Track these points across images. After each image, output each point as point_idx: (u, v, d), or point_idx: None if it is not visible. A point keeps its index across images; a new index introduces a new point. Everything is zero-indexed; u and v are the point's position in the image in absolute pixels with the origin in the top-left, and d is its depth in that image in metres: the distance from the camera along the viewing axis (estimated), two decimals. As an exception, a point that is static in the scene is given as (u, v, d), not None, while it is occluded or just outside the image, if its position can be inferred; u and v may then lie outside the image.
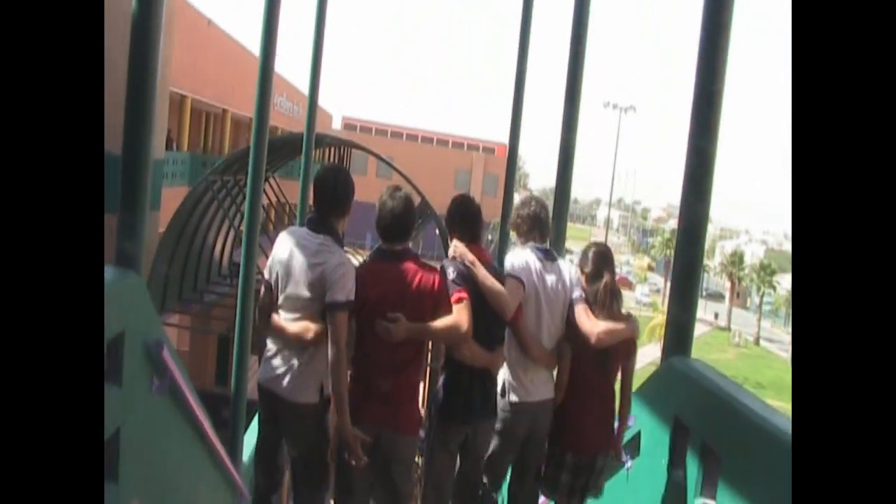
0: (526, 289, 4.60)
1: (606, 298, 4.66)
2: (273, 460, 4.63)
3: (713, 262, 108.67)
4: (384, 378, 4.23)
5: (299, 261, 4.24)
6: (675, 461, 4.41)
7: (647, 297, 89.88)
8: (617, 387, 4.92)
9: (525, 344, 4.66)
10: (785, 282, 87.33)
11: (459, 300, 4.23)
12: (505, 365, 4.72)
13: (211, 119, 36.97)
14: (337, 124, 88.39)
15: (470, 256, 4.48)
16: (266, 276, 4.42)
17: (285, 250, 4.33)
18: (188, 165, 27.90)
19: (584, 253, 4.92)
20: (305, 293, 4.21)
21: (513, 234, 4.99)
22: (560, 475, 4.77)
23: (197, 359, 25.85)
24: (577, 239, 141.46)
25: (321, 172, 4.51)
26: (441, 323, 4.20)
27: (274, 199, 28.48)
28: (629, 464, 5.09)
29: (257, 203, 8.78)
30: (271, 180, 27.22)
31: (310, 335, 4.21)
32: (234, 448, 8.62)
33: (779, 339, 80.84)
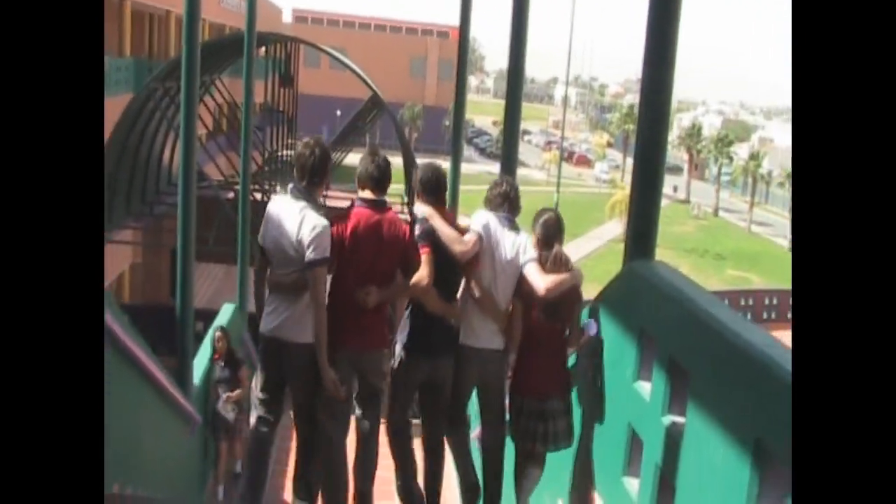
0: (484, 244, 5.12)
1: (556, 266, 5.13)
2: (277, 398, 5.31)
3: (671, 135, 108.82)
4: (361, 312, 4.94)
5: (285, 225, 4.91)
6: (642, 375, 4.23)
7: (606, 175, 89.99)
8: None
9: (478, 294, 5.18)
10: (742, 152, 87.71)
11: (421, 255, 4.90)
12: (465, 312, 5.26)
13: (155, 21, 35.63)
14: (288, 17, 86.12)
15: (430, 212, 5.08)
16: (260, 240, 5.08)
17: (275, 217, 5.00)
18: (132, 72, 26.97)
19: (536, 218, 5.36)
20: (291, 252, 4.87)
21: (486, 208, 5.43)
22: (520, 420, 5.23)
23: (151, 274, 25.46)
24: (535, 119, 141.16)
25: (300, 149, 5.09)
26: (405, 283, 4.96)
27: (223, 101, 27.72)
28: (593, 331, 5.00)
29: (192, 112, 8.49)
30: (218, 82, 26.45)
31: (299, 288, 4.89)
32: (183, 372, 8.47)
33: (737, 209, 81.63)
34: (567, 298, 5.15)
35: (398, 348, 5.25)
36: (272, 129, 30.92)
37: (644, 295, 4.35)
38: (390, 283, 4.99)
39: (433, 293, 5.01)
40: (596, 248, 60.76)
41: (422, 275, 4.90)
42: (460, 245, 5.03)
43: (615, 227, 63.95)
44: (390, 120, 27.12)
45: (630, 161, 68.04)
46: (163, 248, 24.98)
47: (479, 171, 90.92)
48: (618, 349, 4.60)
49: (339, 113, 68.43)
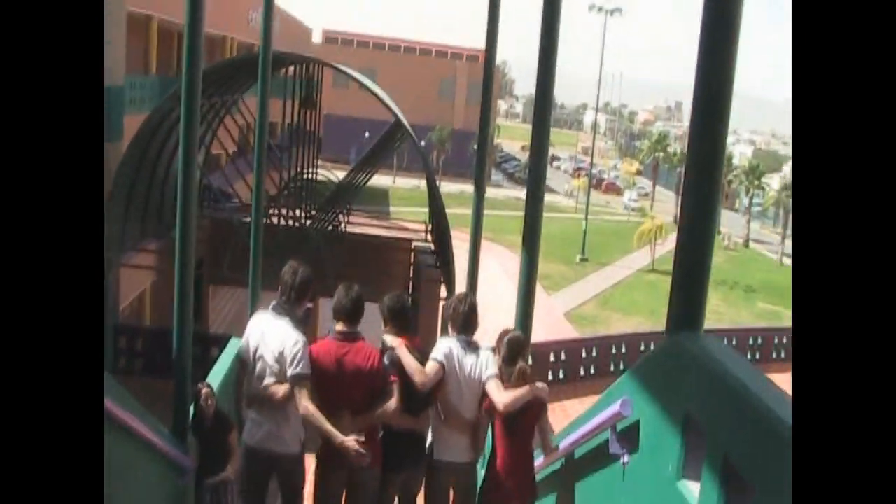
0: (447, 370, 5.57)
1: (519, 381, 5.45)
2: (262, 495, 5.84)
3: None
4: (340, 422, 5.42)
5: (267, 340, 5.41)
6: (687, 473, 3.45)
7: (635, 202, 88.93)
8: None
9: (445, 413, 5.70)
10: (774, 182, 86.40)
11: (391, 384, 5.43)
12: (431, 429, 5.84)
13: (182, 39, 35.26)
14: (317, 38, 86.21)
15: (396, 342, 5.59)
16: (241, 354, 5.63)
17: (257, 332, 5.53)
18: (156, 89, 26.55)
19: (500, 338, 5.76)
20: (274, 365, 5.37)
21: (449, 327, 5.86)
22: None
23: (164, 296, 24.73)
24: (564, 145, 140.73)
25: (285, 269, 5.68)
26: (376, 410, 5.44)
27: (250, 120, 27.22)
28: (626, 458, 4.14)
29: (193, 134, 7.86)
30: (241, 102, 25.96)
31: (279, 395, 5.40)
32: (179, 404, 7.89)
33: (768, 240, 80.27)
34: (529, 411, 5.50)
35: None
36: (297, 149, 30.38)
37: (691, 375, 3.57)
38: (363, 408, 5.46)
39: (401, 416, 5.55)
40: (624, 277, 59.68)
41: (394, 402, 5.42)
42: (420, 376, 5.46)
43: (643, 257, 62.90)
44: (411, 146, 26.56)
45: (660, 189, 67.20)
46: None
47: (506, 196, 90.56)
48: (657, 436, 3.83)
49: (367, 134, 68.07)
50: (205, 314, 26.03)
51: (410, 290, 24.47)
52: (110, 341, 18.01)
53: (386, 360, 5.53)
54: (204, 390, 7.46)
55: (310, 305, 6.17)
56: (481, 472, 5.97)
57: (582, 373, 25.70)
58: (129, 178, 19.26)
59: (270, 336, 5.44)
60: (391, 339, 5.68)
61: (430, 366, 5.57)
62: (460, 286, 16.85)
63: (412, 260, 25.08)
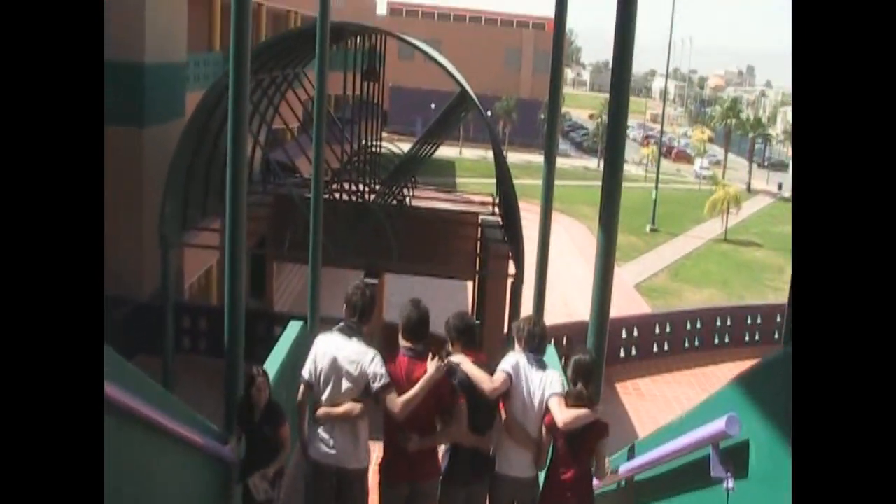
0: (514, 383, 5.72)
1: (577, 400, 5.60)
2: None
3: (775, 129, 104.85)
4: (406, 443, 5.66)
5: (340, 362, 5.59)
6: None
7: (706, 170, 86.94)
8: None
9: (510, 426, 5.81)
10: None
11: (458, 403, 5.64)
12: (495, 443, 5.96)
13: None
14: (382, 10, 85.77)
15: (461, 358, 5.75)
16: (306, 375, 5.75)
17: (326, 355, 5.66)
18: (220, 66, 26.24)
19: (571, 362, 5.82)
20: (349, 385, 5.60)
21: (517, 345, 5.98)
22: None
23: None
24: (632, 112, 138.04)
25: (351, 290, 5.81)
26: (444, 431, 5.76)
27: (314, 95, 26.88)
28: (730, 484, 3.52)
29: (243, 106, 7.57)
30: (304, 77, 25.52)
31: (356, 411, 5.66)
32: (230, 389, 7.77)
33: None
34: (590, 432, 5.66)
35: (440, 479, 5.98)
36: (363, 122, 29.91)
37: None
38: (429, 425, 5.72)
39: (467, 434, 5.77)
40: (695, 247, 58.33)
41: (459, 426, 5.69)
42: (489, 384, 5.65)
43: (715, 226, 61.42)
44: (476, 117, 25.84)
45: (732, 157, 65.52)
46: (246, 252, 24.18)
47: (574, 165, 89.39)
48: (772, 461, 3.20)
49: (433, 106, 67.52)
50: (269, 292, 25.77)
51: (477, 267, 23.90)
52: (172, 321, 17.77)
53: (454, 381, 5.72)
54: (258, 379, 6.81)
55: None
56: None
57: (655, 349, 24.85)
58: (188, 155, 18.93)
59: (344, 356, 5.65)
60: (456, 357, 5.83)
61: (498, 375, 5.75)
62: (530, 262, 16.21)
63: (479, 234, 24.48)
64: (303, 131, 30.72)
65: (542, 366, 5.88)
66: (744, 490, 3.42)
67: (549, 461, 5.87)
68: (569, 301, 36.18)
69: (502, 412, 5.85)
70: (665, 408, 21.89)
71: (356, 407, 5.67)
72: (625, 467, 5.75)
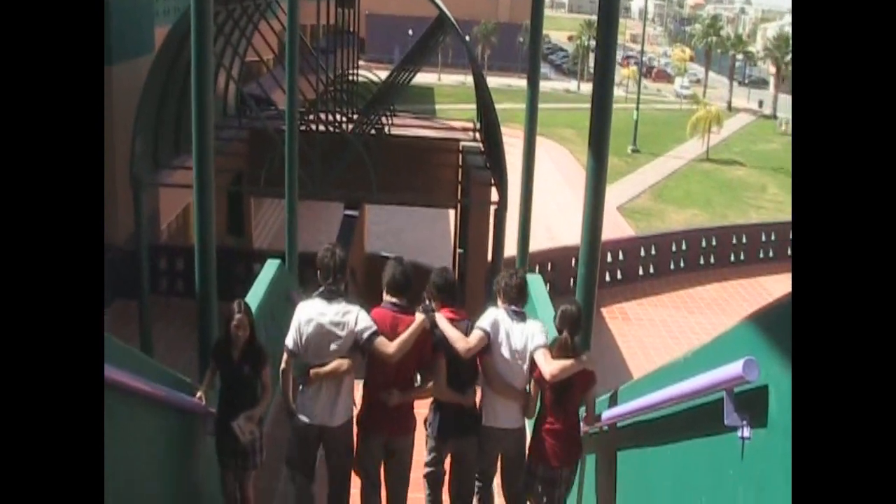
0: (496, 339, 5.81)
1: (562, 351, 5.67)
2: (311, 468, 6.11)
3: (755, 47, 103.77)
4: (389, 398, 5.81)
5: (326, 326, 5.70)
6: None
7: (687, 90, 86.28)
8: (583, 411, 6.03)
9: (489, 381, 5.94)
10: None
11: (437, 359, 5.80)
12: (481, 396, 6.06)
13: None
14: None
15: (438, 316, 5.85)
16: (290, 345, 5.79)
17: (310, 322, 5.73)
18: (188, -2, 25.39)
19: (558, 312, 5.88)
20: (335, 347, 5.70)
21: (497, 298, 6.02)
22: (534, 484, 5.99)
23: None
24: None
25: (321, 253, 5.86)
26: (423, 386, 5.95)
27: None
28: (747, 433, 3.23)
29: (206, 38, 7.13)
30: (277, 6, 24.77)
31: (344, 366, 5.74)
32: (204, 330, 7.73)
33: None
34: (577, 382, 5.72)
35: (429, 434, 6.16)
36: (341, 51, 29.16)
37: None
38: (410, 380, 5.92)
39: (447, 391, 5.89)
40: (678, 167, 58.07)
41: (438, 381, 5.83)
42: (463, 343, 5.73)
43: (697, 146, 61.07)
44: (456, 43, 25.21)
45: (713, 76, 64.95)
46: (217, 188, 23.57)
47: (554, 87, 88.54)
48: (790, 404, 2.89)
49: (410, 32, 66.37)
50: (247, 229, 25.39)
51: (459, 195, 23.54)
52: (147, 264, 17.35)
53: (434, 338, 5.81)
54: (237, 315, 6.29)
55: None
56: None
57: (640, 272, 24.70)
58: (157, 91, 18.30)
59: (328, 320, 5.71)
60: (436, 316, 5.88)
61: (475, 334, 5.78)
62: (513, 188, 15.86)
63: (460, 162, 24.07)
64: (278, 63, 29.95)
65: (522, 318, 5.92)
66: (761, 440, 3.14)
67: (537, 411, 5.95)
68: (551, 226, 35.96)
69: (480, 368, 5.94)
70: (651, 331, 21.83)
71: (343, 363, 5.73)
72: (621, 409, 5.44)
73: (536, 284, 10.65)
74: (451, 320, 5.86)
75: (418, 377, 5.97)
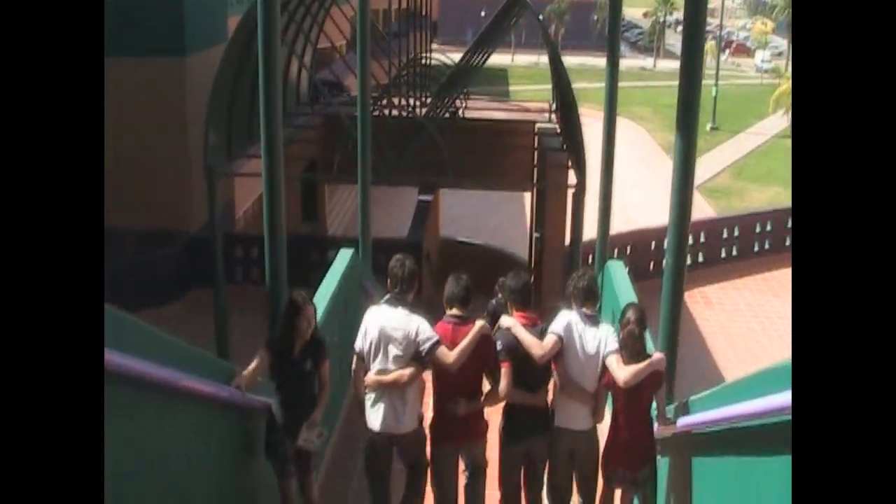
0: (567, 342, 5.91)
1: (632, 355, 5.79)
2: (383, 475, 6.20)
3: None
4: (457, 408, 5.98)
5: (389, 332, 5.82)
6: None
7: (768, 63, 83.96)
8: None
9: (562, 384, 6.03)
10: None
11: (502, 366, 5.90)
12: (554, 398, 6.17)
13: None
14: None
15: (511, 322, 5.99)
16: (358, 347, 5.96)
17: (375, 327, 5.88)
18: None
19: (624, 314, 5.99)
20: (398, 352, 5.81)
21: (571, 300, 6.11)
22: (613, 486, 6.16)
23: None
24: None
25: (392, 262, 6.01)
26: (492, 395, 6.04)
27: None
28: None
29: (274, 32, 6.88)
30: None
31: (406, 377, 5.83)
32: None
33: None
34: (647, 383, 5.81)
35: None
36: (414, 34, 28.91)
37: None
38: (476, 388, 6.06)
39: (517, 393, 5.97)
40: (759, 144, 56.61)
41: (502, 388, 5.92)
42: (538, 349, 5.86)
43: (779, 121, 59.42)
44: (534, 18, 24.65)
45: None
46: (288, 179, 23.37)
47: (629, 66, 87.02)
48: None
49: (483, 13, 65.85)
50: (321, 216, 25.31)
51: (535, 178, 23.12)
52: (221, 253, 17.29)
53: (499, 344, 5.94)
54: (306, 307, 5.99)
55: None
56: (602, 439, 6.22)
57: (723, 255, 23.94)
58: (229, 81, 18.20)
59: (392, 326, 5.87)
60: (508, 321, 6.06)
61: (549, 339, 5.92)
62: (592, 171, 15.40)
63: (536, 144, 23.63)
64: (350, 49, 29.82)
65: (594, 322, 6.07)
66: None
67: (609, 414, 6.15)
68: (627, 207, 35.31)
69: (554, 370, 6.05)
70: (735, 316, 21.16)
71: (405, 374, 5.84)
72: (702, 417, 5.15)
73: (618, 271, 10.31)
74: (525, 325, 5.99)
75: (486, 385, 6.11)
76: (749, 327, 20.50)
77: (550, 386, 6.19)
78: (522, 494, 6.37)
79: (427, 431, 6.17)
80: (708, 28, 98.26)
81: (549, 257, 20.54)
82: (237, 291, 19.58)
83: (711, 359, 18.88)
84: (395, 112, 21.29)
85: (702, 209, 39.17)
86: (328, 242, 20.78)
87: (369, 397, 5.98)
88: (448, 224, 33.13)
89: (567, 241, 18.81)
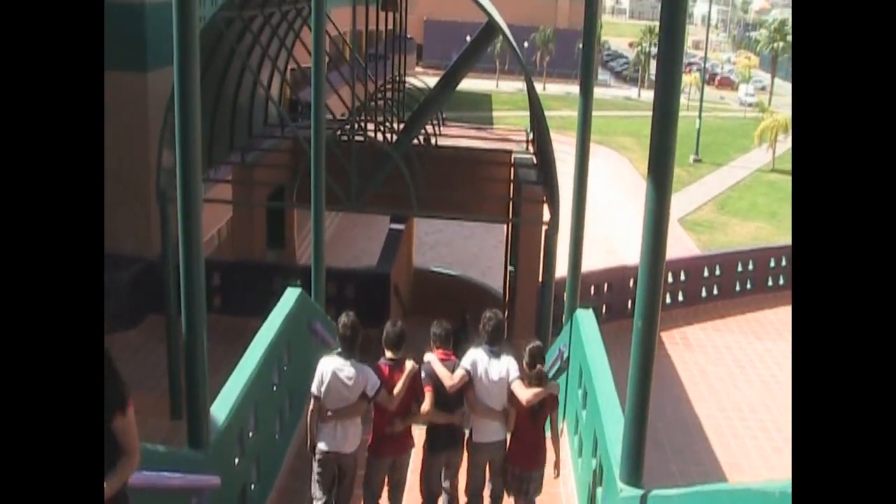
0: (475, 375, 7.46)
1: (537, 381, 7.44)
2: (330, 487, 7.56)
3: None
4: (394, 427, 7.47)
5: (341, 378, 7.24)
6: None
7: (751, 97, 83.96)
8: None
9: (472, 407, 7.54)
10: None
11: (425, 390, 7.38)
12: (470, 419, 7.64)
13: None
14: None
15: (432, 357, 7.51)
16: (314, 391, 7.32)
17: (328, 374, 7.26)
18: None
19: (525, 348, 7.64)
20: (347, 394, 7.26)
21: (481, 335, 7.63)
22: (509, 480, 7.71)
23: (243, 226, 22.82)
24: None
25: (340, 326, 7.41)
26: (417, 413, 7.46)
27: (345, 31, 24.91)
28: None
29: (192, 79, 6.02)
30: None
31: (360, 411, 7.38)
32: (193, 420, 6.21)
33: None
34: (545, 404, 7.48)
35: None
36: (394, 56, 28.04)
37: None
38: (407, 411, 7.44)
39: (437, 414, 7.38)
40: (741, 178, 56.17)
41: (425, 407, 7.34)
42: (448, 381, 7.34)
43: (762, 155, 59.01)
44: (517, 45, 23.81)
45: (779, 82, 63.16)
46: (254, 206, 22.29)
47: (615, 95, 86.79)
48: None
49: (468, 38, 65.41)
50: (290, 243, 24.31)
51: (511, 214, 22.24)
52: (174, 280, 16.31)
53: (423, 374, 7.37)
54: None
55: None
56: None
57: (704, 294, 23.06)
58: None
59: (343, 375, 7.22)
60: (430, 356, 7.50)
61: (458, 373, 7.38)
62: (565, 205, 14.52)
63: (512, 175, 22.77)
64: (333, 68, 29.01)
65: (497, 355, 7.53)
66: None
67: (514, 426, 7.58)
68: (610, 241, 34.56)
69: (467, 399, 7.46)
70: (716, 358, 20.27)
71: (358, 408, 7.31)
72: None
73: (587, 321, 9.52)
74: (443, 360, 7.45)
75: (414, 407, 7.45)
76: (729, 372, 19.60)
77: (466, 408, 7.59)
78: (441, 497, 7.81)
79: (366, 450, 7.57)
80: (693, 60, 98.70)
81: (523, 293, 19.64)
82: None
83: (691, 405, 18.01)
84: (360, 138, 20.42)
85: (683, 242, 38.50)
86: (293, 271, 19.82)
87: (324, 428, 7.37)
88: (425, 251, 32.26)
89: (540, 279, 17.91)
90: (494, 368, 7.46)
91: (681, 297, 22.62)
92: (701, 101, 63.09)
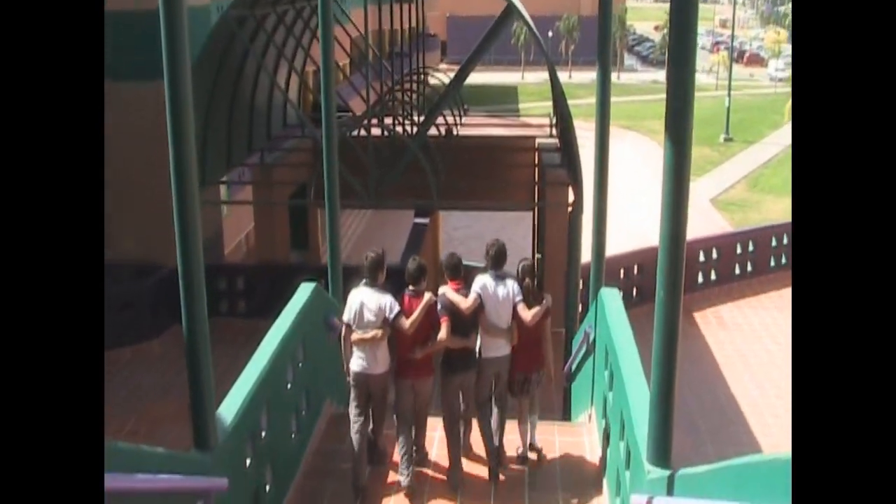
0: (483, 297, 8.31)
1: (528, 295, 8.49)
2: (366, 411, 8.49)
3: None
4: (414, 354, 8.28)
5: (367, 304, 8.18)
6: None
7: (781, 72, 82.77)
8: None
9: (484, 328, 8.41)
10: None
11: (441, 321, 8.15)
12: (479, 338, 8.48)
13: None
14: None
15: (446, 289, 8.32)
16: (346, 318, 8.30)
17: (357, 300, 8.24)
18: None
19: (519, 268, 8.68)
20: (373, 319, 8.16)
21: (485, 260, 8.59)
22: (513, 384, 8.76)
23: (266, 229, 22.66)
24: (699, 19, 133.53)
25: (366, 258, 8.35)
26: (435, 340, 8.22)
27: (355, 33, 24.73)
28: None
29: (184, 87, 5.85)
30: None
31: (379, 336, 8.19)
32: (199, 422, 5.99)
33: None
34: (542, 317, 8.55)
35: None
36: (416, 54, 27.84)
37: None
38: (427, 339, 8.24)
39: (454, 339, 8.19)
40: (773, 154, 55.28)
41: (442, 335, 8.13)
42: (464, 304, 8.20)
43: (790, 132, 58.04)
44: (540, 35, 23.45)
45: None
46: (274, 205, 22.17)
47: (642, 80, 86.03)
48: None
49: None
50: (313, 243, 24.17)
51: (536, 198, 21.95)
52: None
53: (439, 305, 8.13)
54: None
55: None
56: None
57: (737, 271, 22.62)
58: (202, 103, 17.16)
59: (368, 300, 8.15)
60: (444, 288, 8.29)
61: (471, 296, 8.20)
62: (588, 187, 14.24)
63: (536, 160, 22.48)
64: (355, 69, 28.86)
65: (502, 279, 8.42)
66: None
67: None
68: (641, 223, 34.10)
69: (480, 320, 8.30)
70: (751, 337, 19.86)
71: (378, 333, 8.14)
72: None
73: (612, 300, 9.28)
74: (456, 290, 8.27)
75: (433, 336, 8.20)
76: (766, 349, 19.16)
77: (478, 333, 8.38)
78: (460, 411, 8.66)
79: (393, 371, 8.38)
80: (720, 39, 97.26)
81: (550, 279, 19.36)
82: (222, 324, 18.46)
83: (727, 386, 17.62)
84: (379, 132, 20.24)
85: (716, 223, 37.95)
86: (317, 270, 19.66)
87: (354, 351, 8.29)
88: (454, 247, 31.95)
89: (566, 263, 17.63)
90: (500, 290, 8.40)
91: (713, 276, 22.20)
92: (730, 78, 62.29)
